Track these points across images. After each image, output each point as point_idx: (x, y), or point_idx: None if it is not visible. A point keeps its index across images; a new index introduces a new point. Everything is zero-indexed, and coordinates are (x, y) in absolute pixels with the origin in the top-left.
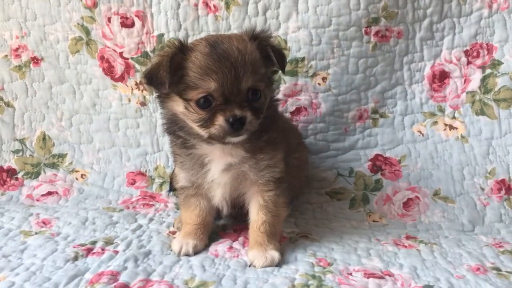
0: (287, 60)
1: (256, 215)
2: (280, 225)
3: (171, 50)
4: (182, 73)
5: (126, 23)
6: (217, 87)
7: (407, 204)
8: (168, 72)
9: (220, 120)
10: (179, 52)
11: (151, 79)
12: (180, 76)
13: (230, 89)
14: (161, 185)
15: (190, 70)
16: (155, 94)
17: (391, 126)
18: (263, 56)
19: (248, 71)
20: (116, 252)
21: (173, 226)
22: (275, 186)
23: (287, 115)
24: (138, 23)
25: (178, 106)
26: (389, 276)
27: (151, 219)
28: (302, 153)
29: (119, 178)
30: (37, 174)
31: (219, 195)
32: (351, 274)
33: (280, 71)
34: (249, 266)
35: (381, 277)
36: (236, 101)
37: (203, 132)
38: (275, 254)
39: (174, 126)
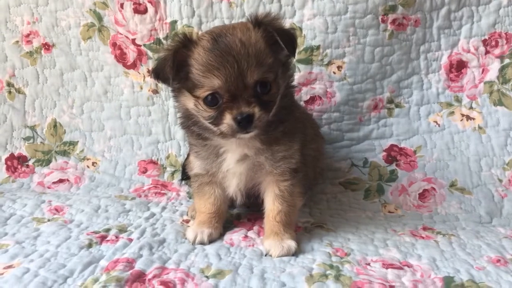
0: (297, 43)
1: (272, 205)
2: (295, 214)
3: (175, 45)
4: (188, 70)
5: (139, 9)
6: (221, 84)
7: (423, 195)
8: (171, 67)
9: (227, 119)
10: (183, 48)
11: (158, 74)
12: (186, 72)
13: (235, 84)
14: (172, 173)
15: (194, 68)
16: (169, 88)
17: (406, 116)
18: (270, 42)
19: (253, 64)
20: (130, 240)
21: (187, 215)
22: (291, 176)
23: (302, 104)
24: (151, 9)
25: (189, 102)
26: (408, 267)
27: (163, 208)
28: (319, 144)
29: (131, 167)
30: (48, 162)
31: (234, 185)
32: (369, 264)
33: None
34: (265, 255)
35: (400, 268)
36: (243, 97)
37: (214, 129)
38: (291, 244)
39: (188, 121)
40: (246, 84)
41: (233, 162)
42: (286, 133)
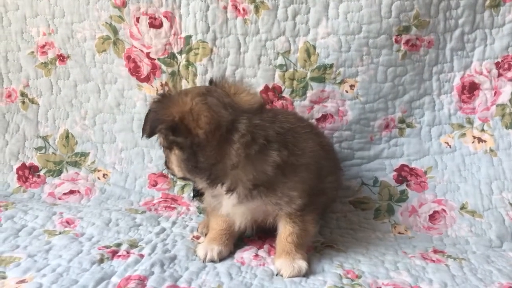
0: (148, 125)
1: (284, 228)
2: (308, 238)
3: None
4: None
5: (155, 24)
6: None
7: (433, 217)
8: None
9: None
10: None
11: None
12: None
13: None
14: (182, 187)
15: None
16: None
17: (417, 136)
18: None
19: None
20: (142, 256)
21: (197, 231)
22: (300, 209)
23: (313, 122)
24: (166, 24)
25: None
26: None
27: (174, 223)
28: (337, 175)
29: (141, 179)
30: (59, 172)
31: (238, 223)
32: None
33: None
34: (276, 275)
35: None
36: None
37: None
38: (302, 264)
39: None
40: None
41: (230, 206)
42: (286, 183)
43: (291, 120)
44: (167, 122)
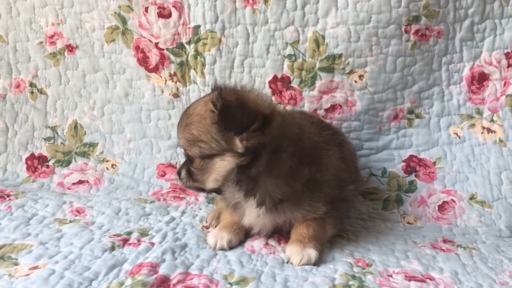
0: (244, 118)
1: (301, 221)
2: (324, 235)
3: None
4: None
5: (163, 14)
6: None
7: (442, 207)
8: None
9: None
10: None
11: None
12: None
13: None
14: None
15: None
16: None
17: (426, 127)
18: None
19: (180, 132)
20: (152, 244)
21: (206, 222)
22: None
23: (321, 112)
24: (175, 14)
25: None
26: (430, 279)
27: (183, 212)
28: (357, 183)
29: (150, 170)
30: (68, 162)
31: (256, 230)
32: (391, 276)
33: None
34: (287, 262)
35: (422, 281)
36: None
37: None
38: (312, 253)
39: None
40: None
41: (253, 218)
42: (312, 198)
43: (314, 132)
44: (264, 116)
